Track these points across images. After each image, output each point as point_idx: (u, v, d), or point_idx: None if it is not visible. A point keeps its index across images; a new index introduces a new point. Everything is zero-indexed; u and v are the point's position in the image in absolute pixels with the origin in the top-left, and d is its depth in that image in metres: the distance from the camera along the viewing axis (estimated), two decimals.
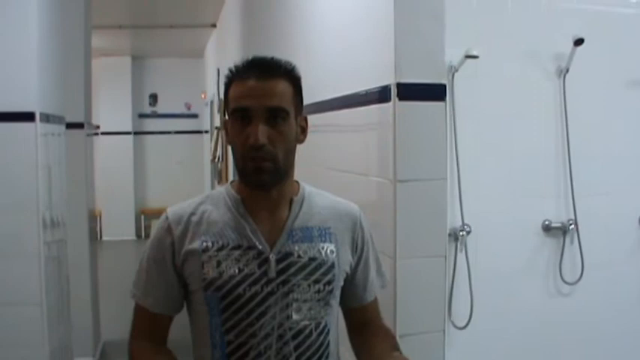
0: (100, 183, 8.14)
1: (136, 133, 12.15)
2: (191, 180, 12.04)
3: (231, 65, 1.66)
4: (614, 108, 3.42)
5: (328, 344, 1.69)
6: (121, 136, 11.79)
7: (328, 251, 1.67)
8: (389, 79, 2.11)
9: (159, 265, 1.67)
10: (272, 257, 1.62)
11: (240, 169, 1.62)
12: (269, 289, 1.60)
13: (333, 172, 2.83)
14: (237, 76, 1.63)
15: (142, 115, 12.30)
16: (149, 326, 1.72)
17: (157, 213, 9.97)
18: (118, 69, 11.72)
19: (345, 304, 1.79)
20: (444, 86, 2.14)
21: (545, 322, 3.35)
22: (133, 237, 11.84)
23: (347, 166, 2.65)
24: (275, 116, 1.59)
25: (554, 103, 3.37)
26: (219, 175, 8.94)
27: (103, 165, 10.79)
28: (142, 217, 11.95)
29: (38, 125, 3.37)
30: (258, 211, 1.65)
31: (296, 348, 1.63)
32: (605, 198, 3.40)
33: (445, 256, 2.15)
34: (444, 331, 2.17)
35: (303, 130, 1.70)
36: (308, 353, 1.64)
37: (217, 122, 9.18)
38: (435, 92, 2.13)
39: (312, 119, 3.17)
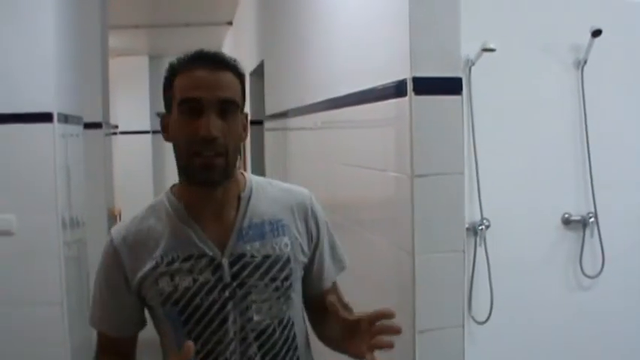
0: (120, 182, 8.19)
1: (154, 132, 12.19)
2: None
3: (175, 59, 1.60)
4: (633, 99, 3.38)
5: (294, 337, 1.65)
6: (140, 136, 11.84)
7: (282, 245, 1.61)
8: (405, 74, 2.09)
9: (110, 290, 1.61)
10: (225, 262, 1.56)
11: (184, 166, 1.54)
12: (226, 294, 1.56)
13: (349, 168, 2.82)
14: (183, 66, 1.55)
15: (159, 114, 12.31)
16: (112, 348, 1.69)
17: None
18: (136, 68, 11.78)
19: (304, 294, 1.73)
20: (460, 79, 2.12)
21: (566, 315, 3.33)
22: None
23: (363, 161, 2.64)
24: (226, 109, 1.52)
25: (573, 95, 3.34)
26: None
27: (122, 164, 10.84)
28: None
29: (56, 126, 3.38)
30: (203, 215, 1.59)
31: (260, 348, 1.59)
32: (625, 190, 3.37)
33: (464, 251, 2.13)
34: (463, 326, 2.15)
35: (245, 128, 1.61)
36: (273, 351, 1.60)
37: None
38: (451, 86, 2.11)
39: (328, 115, 3.20)
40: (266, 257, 1.59)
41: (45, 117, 3.34)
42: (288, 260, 1.62)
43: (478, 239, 3.13)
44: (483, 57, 3.04)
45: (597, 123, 3.32)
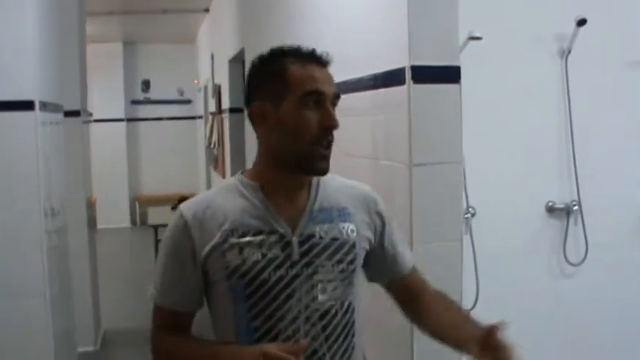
0: (94, 170, 8.10)
1: (128, 120, 12.08)
2: (185, 166, 12.02)
3: (273, 51, 1.64)
4: (617, 88, 3.41)
5: (353, 323, 1.70)
6: (114, 123, 11.67)
7: (349, 231, 1.67)
8: (403, 62, 2.08)
9: (177, 264, 1.65)
10: (294, 240, 1.62)
11: (303, 153, 1.59)
12: (294, 272, 1.60)
13: (346, 156, 2.80)
14: (296, 60, 1.60)
15: (134, 102, 12.22)
16: (170, 324, 1.70)
17: (152, 200, 9.93)
18: (110, 55, 11.60)
19: (383, 279, 1.82)
20: (458, 68, 2.12)
21: (549, 303, 3.36)
22: (127, 224, 11.81)
23: (360, 150, 2.62)
24: (335, 104, 1.61)
25: (557, 84, 3.36)
26: (215, 161, 8.91)
27: (97, 152, 10.71)
28: (137, 204, 11.92)
29: (38, 114, 3.33)
30: (277, 197, 1.64)
31: (323, 329, 1.63)
32: (608, 179, 3.40)
33: (461, 240, 2.14)
34: None
35: None
36: (335, 333, 1.64)
37: (212, 108, 9.13)
38: (450, 74, 2.11)
39: None
40: (334, 240, 1.65)
41: (26, 105, 3.29)
42: (353, 245, 1.67)
43: (464, 227, 3.13)
44: (469, 45, 3.03)
45: (581, 112, 3.35)
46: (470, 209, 3.17)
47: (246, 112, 1.68)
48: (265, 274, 1.58)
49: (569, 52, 3.33)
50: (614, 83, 3.40)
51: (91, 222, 5.58)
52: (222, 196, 1.67)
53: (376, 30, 2.43)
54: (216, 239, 1.59)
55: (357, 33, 2.69)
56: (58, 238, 3.91)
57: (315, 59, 1.61)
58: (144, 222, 10.93)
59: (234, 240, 1.59)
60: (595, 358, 3.39)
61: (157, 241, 7.04)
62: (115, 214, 11.41)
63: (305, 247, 1.62)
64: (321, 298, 1.62)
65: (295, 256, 1.61)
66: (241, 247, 1.58)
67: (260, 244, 1.59)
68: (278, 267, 1.59)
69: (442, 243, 2.10)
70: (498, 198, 3.22)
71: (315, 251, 1.63)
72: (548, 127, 3.37)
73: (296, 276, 1.60)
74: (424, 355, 2.10)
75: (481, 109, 3.17)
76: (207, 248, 1.60)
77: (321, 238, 1.64)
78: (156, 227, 7.10)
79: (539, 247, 3.41)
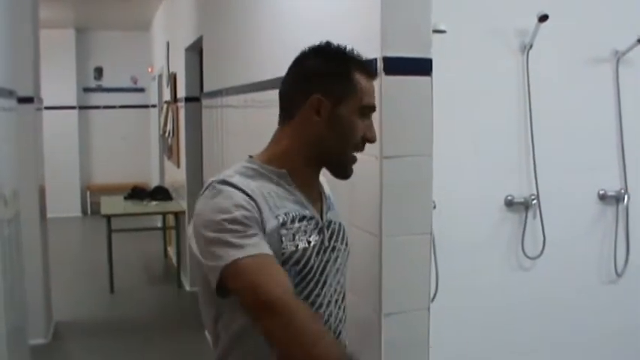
0: (44, 158, 7.94)
1: (80, 108, 11.86)
2: (137, 155, 11.86)
3: (333, 45, 1.70)
4: (576, 84, 3.44)
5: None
6: (66, 111, 11.46)
7: (340, 216, 1.77)
8: (375, 53, 2.06)
9: (255, 227, 1.49)
10: (325, 225, 1.66)
11: (342, 155, 1.66)
12: (326, 257, 1.64)
13: None
14: (363, 69, 1.67)
15: (86, 89, 12.01)
16: (284, 275, 1.50)
17: (103, 189, 9.73)
18: (62, 42, 11.37)
19: None
20: (430, 60, 2.11)
21: (507, 296, 3.39)
22: (78, 214, 11.61)
23: None
24: None
25: (517, 79, 3.38)
26: (169, 151, 8.80)
27: (47, 140, 10.46)
28: (88, 193, 11.72)
29: None
30: (301, 184, 1.66)
31: (344, 310, 1.70)
32: (566, 173, 3.43)
33: (430, 233, 2.14)
34: (428, 309, 2.16)
35: None
36: (346, 315, 1.71)
37: (166, 96, 9.01)
38: (421, 66, 2.09)
39: None
40: (340, 225, 1.73)
41: None
42: (345, 230, 1.76)
43: None
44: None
45: (541, 107, 3.37)
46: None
47: (281, 95, 1.71)
48: (312, 261, 1.60)
49: (531, 47, 3.35)
50: (575, 79, 3.43)
51: (44, 211, 5.46)
52: (250, 179, 1.58)
53: (348, 19, 2.40)
54: (274, 223, 1.55)
55: (327, 22, 2.65)
56: (12, 228, 3.81)
57: (372, 73, 1.71)
58: (95, 211, 10.74)
59: (289, 225, 1.57)
60: (550, 350, 3.44)
61: (110, 231, 6.90)
62: (65, 204, 11.19)
63: (329, 232, 1.67)
64: (341, 281, 1.69)
65: (326, 242, 1.65)
66: (293, 234, 1.57)
67: (305, 231, 1.60)
68: (318, 253, 1.62)
69: (411, 236, 2.09)
70: (458, 191, 3.22)
71: (335, 236, 1.68)
72: (507, 122, 3.38)
73: (327, 261, 1.64)
74: (391, 344, 2.10)
75: (441, 102, 3.16)
76: (269, 229, 1.53)
77: (335, 223, 1.71)
78: (109, 217, 6.96)
79: (498, 241, 3.43)
